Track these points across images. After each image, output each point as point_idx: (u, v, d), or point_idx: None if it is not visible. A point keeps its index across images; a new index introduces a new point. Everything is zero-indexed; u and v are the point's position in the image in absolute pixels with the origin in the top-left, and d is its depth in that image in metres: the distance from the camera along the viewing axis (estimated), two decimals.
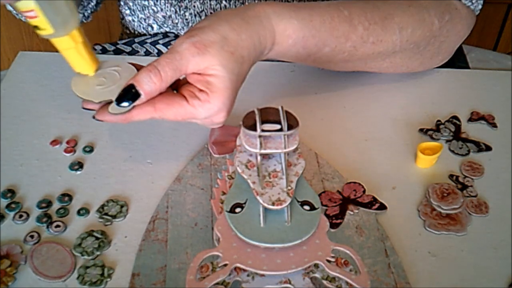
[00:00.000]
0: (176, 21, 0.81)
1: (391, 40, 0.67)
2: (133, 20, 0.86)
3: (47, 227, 0.57)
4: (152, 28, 0.85)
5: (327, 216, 0.58)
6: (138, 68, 0.57)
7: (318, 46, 0.64)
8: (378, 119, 0.71)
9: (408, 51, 0.70)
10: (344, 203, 0.60)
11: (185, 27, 0.81)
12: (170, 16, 0.81)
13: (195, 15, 0.80)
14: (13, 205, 0.59)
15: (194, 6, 0.79)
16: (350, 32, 0.64)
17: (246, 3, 0.66)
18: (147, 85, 0.53)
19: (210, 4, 0.78)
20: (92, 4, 0.82)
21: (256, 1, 0.64)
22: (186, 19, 0.80)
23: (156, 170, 0.63)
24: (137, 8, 0.84)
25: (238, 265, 0.47)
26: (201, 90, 0.55)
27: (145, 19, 0.84)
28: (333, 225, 0.57)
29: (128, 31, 0.90)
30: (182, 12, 0.80)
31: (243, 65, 0.57)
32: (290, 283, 0.48)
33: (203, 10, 0.79)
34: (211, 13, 0.78)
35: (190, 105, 0.55)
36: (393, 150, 0.67)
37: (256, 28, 0.58)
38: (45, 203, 0.59)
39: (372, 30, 0.65)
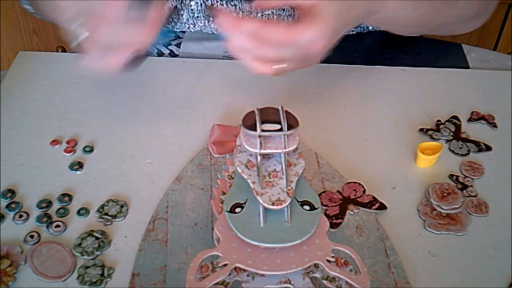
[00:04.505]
0: (182, 12, 0.81)
1: None
2: None
3: (47, 227, 0.57)
4: None
5: (327, 216, 0.58)
6: None
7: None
8: (378, 119, 0.71)
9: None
10: (344, 203, 0.60)
11: (190, 19, 0.81)
12: (175, 7, 0.81)
13: (200, 4, 0.79)
14: (13, 205, 0.59)
15: None
16: None
17: None
18: None
19: None
20: None
21: None
22: (192, 10, 0.80)
23: (156, 170, 0.63)
24: None
25: (238, 265, 0.47)
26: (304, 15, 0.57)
27: None
28: (333, 225, 0.57)
29: None
30: (187, 1, 0.80)
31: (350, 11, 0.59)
32: (290, 283, 0.48)
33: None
34: (214, 2, 0.78)
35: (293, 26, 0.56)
36: (393, 150, 0.67)
37: None
38: (45, 203, 0.59)
39: None
